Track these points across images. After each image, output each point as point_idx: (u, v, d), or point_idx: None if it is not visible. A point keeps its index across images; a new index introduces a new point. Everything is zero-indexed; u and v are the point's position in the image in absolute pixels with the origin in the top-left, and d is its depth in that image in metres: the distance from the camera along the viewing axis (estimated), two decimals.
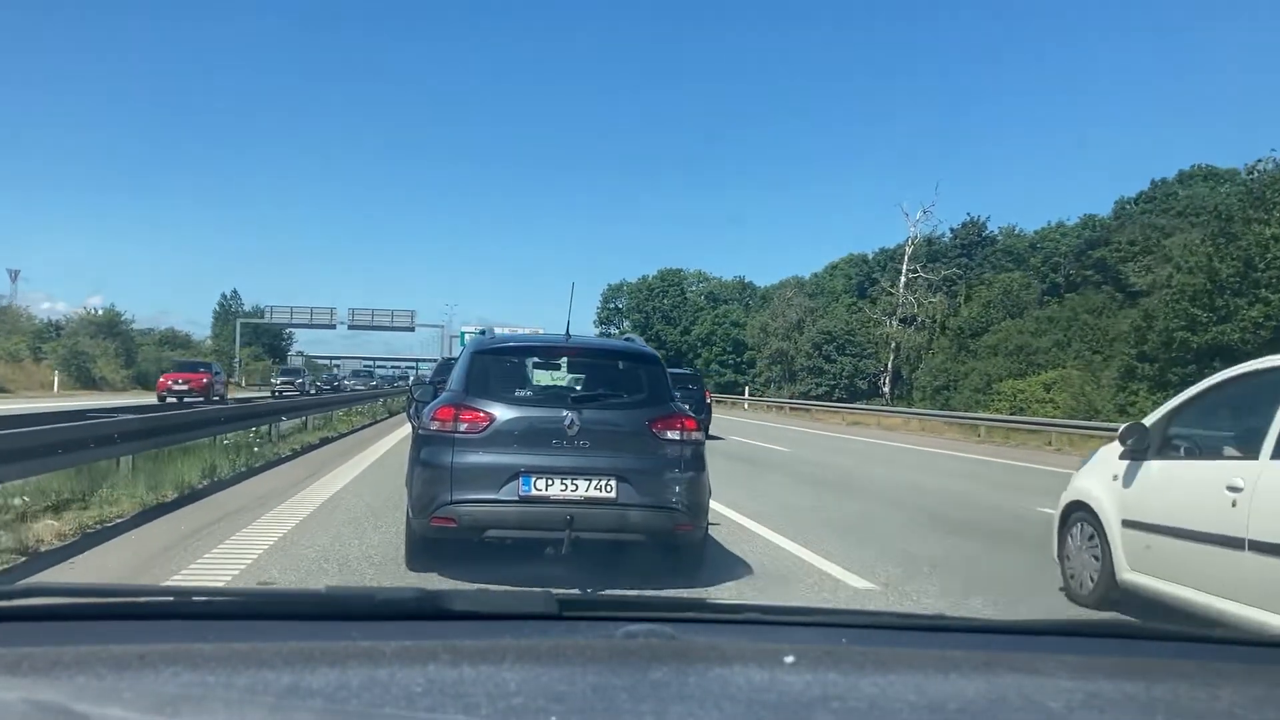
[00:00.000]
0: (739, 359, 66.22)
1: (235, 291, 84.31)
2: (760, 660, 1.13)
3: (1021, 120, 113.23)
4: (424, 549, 6.23)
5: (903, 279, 51.16)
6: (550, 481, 5.84)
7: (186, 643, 1.12)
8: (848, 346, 52.32)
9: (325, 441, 18.03)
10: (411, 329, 77.38)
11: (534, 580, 5.79)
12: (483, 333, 7.27)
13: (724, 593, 6.19)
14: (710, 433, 17.51)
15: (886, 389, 50.10)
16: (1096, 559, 6.06)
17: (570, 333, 6.98)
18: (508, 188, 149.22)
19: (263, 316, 76.94)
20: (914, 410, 37.65)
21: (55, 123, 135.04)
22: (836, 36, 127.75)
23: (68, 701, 0.86)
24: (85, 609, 1.39)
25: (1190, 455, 5.69)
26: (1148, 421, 6.10)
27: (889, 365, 50.61)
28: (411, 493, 6.13)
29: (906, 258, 51.74)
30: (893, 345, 50.29)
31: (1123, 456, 6.07)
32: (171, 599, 1.58)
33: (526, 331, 10.69)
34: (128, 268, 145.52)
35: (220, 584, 5.78)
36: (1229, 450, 5.45)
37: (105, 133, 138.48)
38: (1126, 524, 5.85)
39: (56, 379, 43.71)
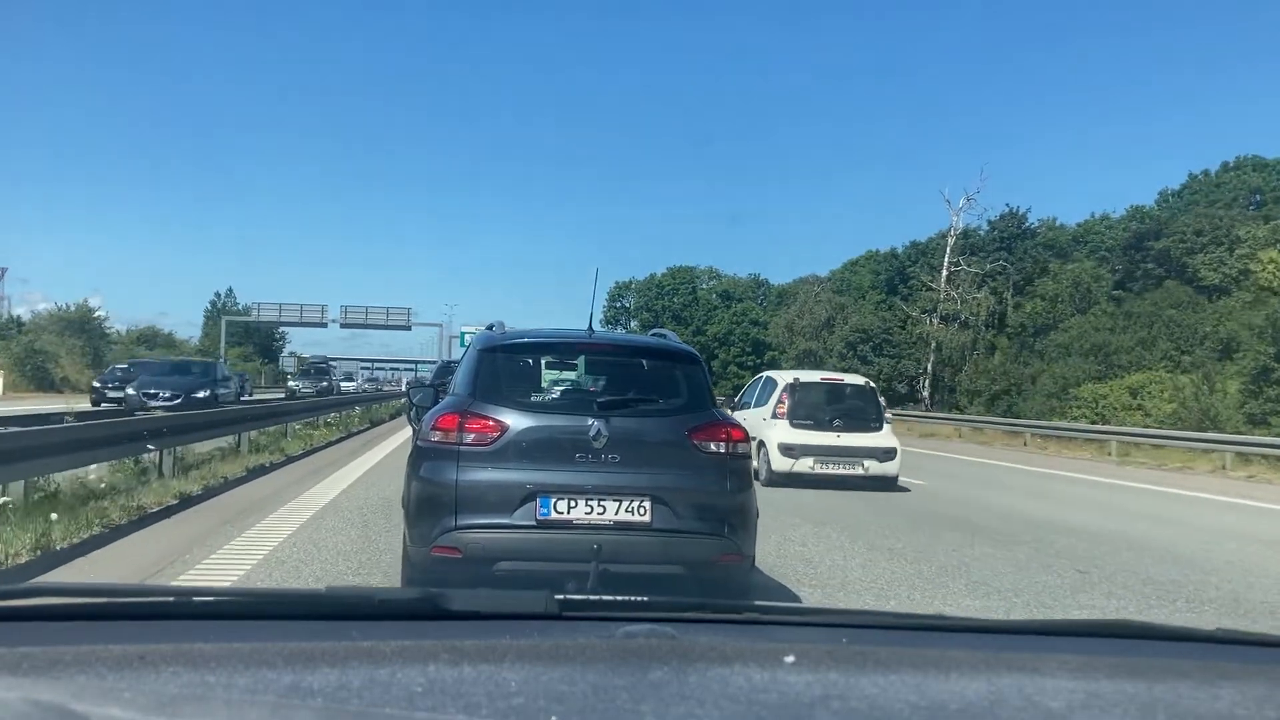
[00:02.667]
0: (759, 360, 65.72)
1: (230, 290, 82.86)
2: (760, 660, 1.20)
3: (1035, 113, 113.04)
4: (424, 583, 5.55)
5: (944, 273, 49.46)
6: (573, 503, 5.33)
7: (187, 643, 1.18)
8: (885, 346, 50.79)
9: (259, 471, 13.11)
10: (408, 328, 76.84)
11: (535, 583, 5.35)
12: (490, 328, 6.51)
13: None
14: None
15: (926, 393, 48.53)
16: (766, 462, 14.62)
17: (593, 327, 6.44)
18: (509, 185, 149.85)
19: (250, 314, 76.49)
20: (1029, 422, 31.42)
21: (54, 122, 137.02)
22: (839, 32, 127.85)
23: (68, 701, 0.91)
24: (85, 609, 1.45)
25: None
26: (737, 398, 17.24)
27: (928, 367, 48.88)
28: (409, 517, 5.68)
29: (949, 249, 49.85)
30: (933, 345, 48.47)
31: (770, 418, 15.24)
32: (172, 599, 1.64)
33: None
34: (128, 269, 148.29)
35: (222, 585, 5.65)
36: (762, 406, 15.51)
37: (105, 132, 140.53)
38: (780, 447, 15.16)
39: (1, 380, 41.20)
